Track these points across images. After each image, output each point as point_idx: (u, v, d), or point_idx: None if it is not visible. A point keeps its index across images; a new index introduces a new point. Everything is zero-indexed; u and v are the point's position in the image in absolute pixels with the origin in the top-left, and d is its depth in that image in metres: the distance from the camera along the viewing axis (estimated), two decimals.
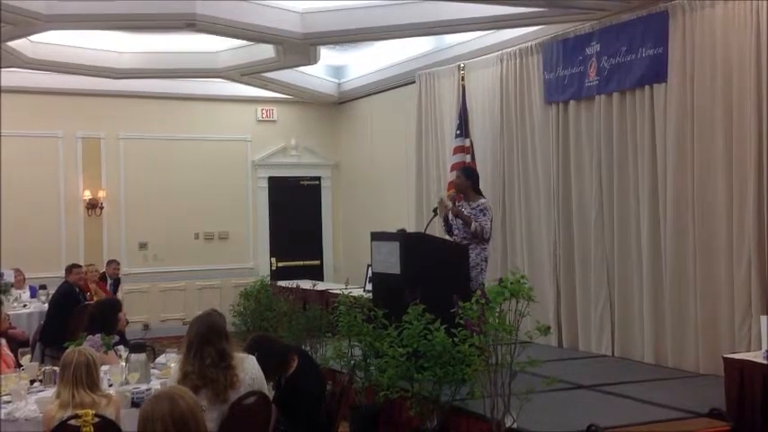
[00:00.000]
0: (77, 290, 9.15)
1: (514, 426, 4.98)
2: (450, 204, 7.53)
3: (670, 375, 6.78)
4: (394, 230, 7.68)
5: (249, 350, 4.85)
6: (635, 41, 7.46)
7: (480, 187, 7.92)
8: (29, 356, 5.58)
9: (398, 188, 11.42)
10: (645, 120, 7.40)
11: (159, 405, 2.70)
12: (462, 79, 9.60)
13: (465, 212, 7.29)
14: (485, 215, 7.27)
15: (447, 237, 7.55)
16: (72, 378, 4.05)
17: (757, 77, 6.37)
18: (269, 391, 4.66)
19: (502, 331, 4.86)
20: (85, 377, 4.06)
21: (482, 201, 7.43)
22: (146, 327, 12.00)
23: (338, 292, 7.87)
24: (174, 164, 12.42)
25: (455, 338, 5.23)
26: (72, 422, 3.85)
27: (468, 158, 9.18)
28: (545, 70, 8.58)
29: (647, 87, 7.37)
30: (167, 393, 2.80)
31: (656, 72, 7.24)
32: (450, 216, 7.43)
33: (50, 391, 4.62)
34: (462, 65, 9.71)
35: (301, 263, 13.09)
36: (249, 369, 4.39)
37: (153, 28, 9.43)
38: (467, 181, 7.57)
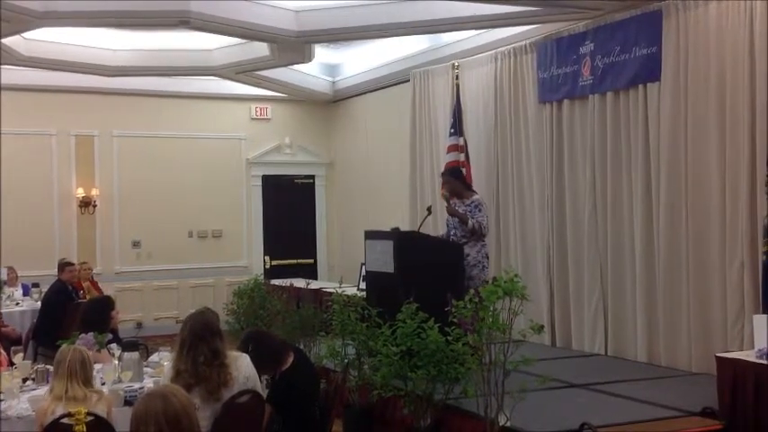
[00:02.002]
0: (70, 288, 9.12)
1: (508, 424, 4.99)
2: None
3: (663, 374, 6.79)
4: (388, 229, 7.67)
5: (244, 344, 4.85)
6: (629, 41, 7.46)
7: (474, 186, 7.91)
8: (21, 355, 5.57)
9: (392, 186, 11.41)
10: (638, 119, 7.40)
11: (152, 403, 2.70)
12: (456, 78, 9.58)
13: (460, 211, 7.29)
14: (480, 211, 7.27)
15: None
16: (66, 371, 4.07)
17: (750, 76, 6.38)
18: (262, 390, 4.66)
19: (495, 330, 4.86)
20: (80, 371, 4.09)
21: (475, 197, 7.43)
22: (139, 325, 11.96)
23: (332, 290, 7.85)
24: (168, 162, 12.38)
25: (449, 337, 5.23)
26: (65, 420, 3.85)
27: (462, 157, 9.16)
28: (539, 69, 8.59)
29: (640, 86, 7.38)
30: (160, 392, 2.80)
31: (650, 71, 7.25)
32: (447, 216, 7.44)
33: (43, 390, 4.62)
34: (456, 63, 9.70)
35: (295, 261, 13.07)
36: (243, 368, 4.39)
37: (147, 25, 9.40)
38: (456, 181, 7.57)
